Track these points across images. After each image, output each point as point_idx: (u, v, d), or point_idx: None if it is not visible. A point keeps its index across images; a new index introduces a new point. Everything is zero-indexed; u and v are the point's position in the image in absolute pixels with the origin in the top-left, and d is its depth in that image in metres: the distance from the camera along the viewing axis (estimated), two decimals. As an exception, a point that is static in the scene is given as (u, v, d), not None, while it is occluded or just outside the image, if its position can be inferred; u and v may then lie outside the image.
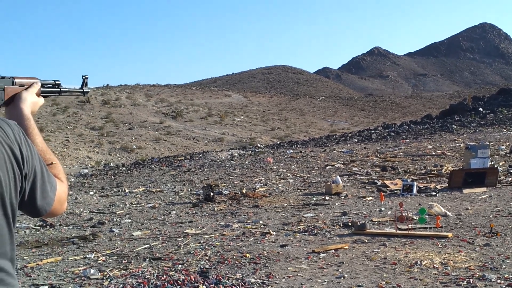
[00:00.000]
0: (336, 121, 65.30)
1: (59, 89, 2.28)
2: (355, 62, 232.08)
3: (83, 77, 2.40)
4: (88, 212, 12.57)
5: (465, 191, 12.01)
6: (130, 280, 6.62)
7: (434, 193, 12.10)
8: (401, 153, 20.05)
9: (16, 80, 2.00)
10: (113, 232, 10.00)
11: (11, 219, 1.52)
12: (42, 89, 2.13)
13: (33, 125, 1.88)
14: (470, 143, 16.86)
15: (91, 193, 16.01)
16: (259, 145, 33.67)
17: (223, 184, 16.10)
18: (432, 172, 15.31)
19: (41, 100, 2.09)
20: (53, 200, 1.69)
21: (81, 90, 2.40)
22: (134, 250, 8.33)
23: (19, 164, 1.54)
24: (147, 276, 6.72)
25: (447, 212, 9.65)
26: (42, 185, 1.65)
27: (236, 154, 25.64)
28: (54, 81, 2.26)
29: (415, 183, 12.78)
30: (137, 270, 7.09)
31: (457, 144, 20.94)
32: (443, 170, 15.17)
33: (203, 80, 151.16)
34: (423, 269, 6.39)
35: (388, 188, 13.16)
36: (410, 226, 8.49)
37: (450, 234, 8.07)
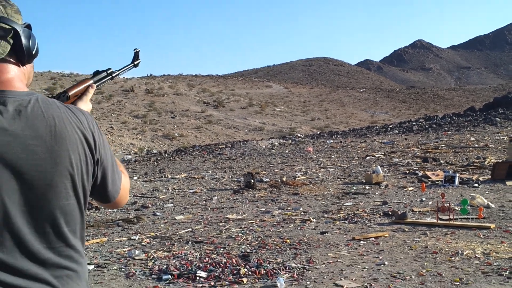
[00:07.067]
0: (376, 113, 64.70)
1: (111, 76, 2.32)
2: (397, 55, 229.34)
3: (135, 50, 2.43)
4: (132, 196, 12.83)
5: (508, 183, 11.86)
6: (174, 261, 6.78)
7: (476, 185, 11.98)
8: (443, 145, 19.84)
9: (70, 94, 2.05)
10: (157, 216, 10.22)
11: (82, 201, 1.60)
12: (98, 82, 2.18)
13: None
14: (515, 136, 16.56)
15: (134, 178, 16.31)
16: (299, 135, 33.67)
17: (263, 172, 16.21)
18: (475, 164, 15.12)
19: (91, 106, 2.16)
20: (119, 189, 1.78)
21: (132, 64, 2.43)
22: (177, 233, 8.51)
23: (91, 150, 1.61)
24: (189, 258, 6.88)
25: (490, 204, 9.57)
26: (112, 173, 1.73)
27: (277, 143, 25.72)
28: (106, 71, 2.29)
29: (457, 175, 12.66)
30: (180, 252, 7.26)
31: (501, 137, 20.59)
32: (486, 162, 14.98)
33: (245, 71, 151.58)
34: (465, 258, 6.38)
35: (430, 179, 13.07)
36: (451, 216, 8.46)
37: (492, 225, 8.01)
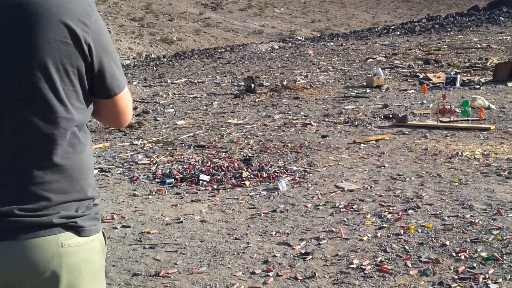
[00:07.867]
0: (378, 13, 63.46)
1: None
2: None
3: None
4: (132, 101, 12.82)
5: (510, 84, 11.80)
6: (176, 165, 6.87)
7: (478, 86, 11.93)
8: (445, 46, 19.59)
9: None
10: (158, 121, 10.26)
11: (61, 83, 1.45)
12: None
13: None
14: (518, 36, 16.33)
15: (134, 83, 16.25)
16: (299, 37, 33.21)
17: (263, 76, 16.12)
18: (477, 65, 15.00)
19: None
20: (121, 85, 1.62)
21: None
22: (179, 138, 8.58)
23: (79, 26, 1.46)
24: (192, 163, 6.96)
25: (491, 105, 9.57)
26: (110, 65, 1.57)
27: (276, 47, 25.42)
28: None
29: (459, 76, 12.58)
30: (182, 156, 7.35)
31: (504, 37, 20.29)
32: (488, 63, 14.85)
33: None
34: (464, 160, 6.46)
35: (431, 81, 13.00)
36: (452, 118, 8.48)
37: (492, 127, 8.05)
